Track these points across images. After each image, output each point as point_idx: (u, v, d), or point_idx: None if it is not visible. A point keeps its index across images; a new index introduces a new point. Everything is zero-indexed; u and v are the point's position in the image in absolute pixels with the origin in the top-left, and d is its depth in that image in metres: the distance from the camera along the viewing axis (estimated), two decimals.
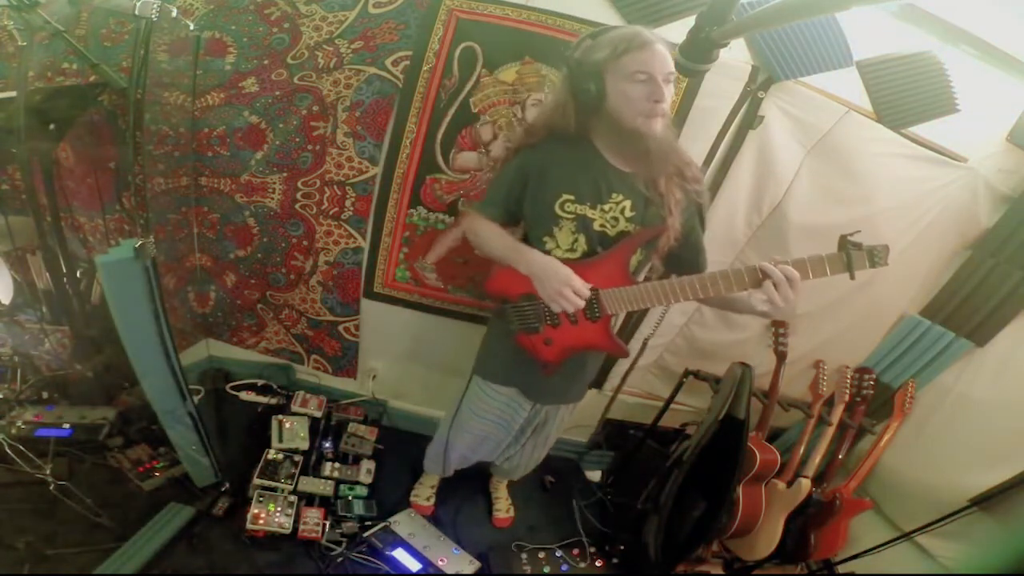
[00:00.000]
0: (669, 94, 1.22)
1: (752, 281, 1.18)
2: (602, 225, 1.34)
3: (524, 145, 1.40)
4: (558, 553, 1.98)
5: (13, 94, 1.47)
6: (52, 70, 1.74)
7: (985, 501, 1.69)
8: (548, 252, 1.36)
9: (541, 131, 1.37)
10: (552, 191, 1.33)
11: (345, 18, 1.67)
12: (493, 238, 1.40)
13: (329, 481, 1.94)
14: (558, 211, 1.33)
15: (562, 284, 1.26)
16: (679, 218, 1.34)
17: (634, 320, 2.10)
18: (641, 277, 1.46)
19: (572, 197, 1.32)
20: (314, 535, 1.73)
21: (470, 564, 1.82)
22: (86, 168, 1.84)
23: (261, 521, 1.70)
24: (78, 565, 1.47)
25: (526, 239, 1.43)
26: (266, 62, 1.74)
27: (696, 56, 1.20)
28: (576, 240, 1.35)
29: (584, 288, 1.27)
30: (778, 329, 2.06)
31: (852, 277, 1.13)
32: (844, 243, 1.12)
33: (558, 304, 1.28)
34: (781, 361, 2.05)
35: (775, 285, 1.14)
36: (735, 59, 1.62)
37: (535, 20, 1.60)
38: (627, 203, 1.33)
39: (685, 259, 1.43)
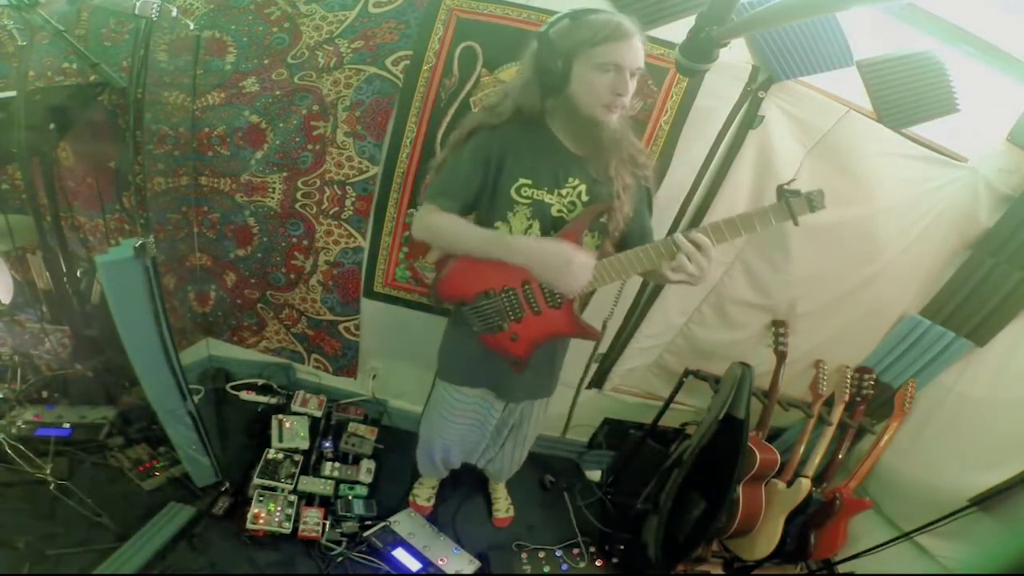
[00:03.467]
0: (632, 88, 1.23)
1: (669, 254, 1.21)
2: (559, 211, 1.33)
3: (482, 127, 1.33)
4: (558, 553, 1.98)
5: (13, 94, 1.47)
6: (52, 70, 1.74)
7: (985, 501, 1.70)
8: None
9: (507, 112, 1.31)
10: (510, 175, 1.30)
11: (345, 18, 1.67)
12: (465, 232, 1.31)
13: (329, 481, 1.94)
14: (514, 196, 1.30)
15: (569, 262, 1.22)
16: (629, 202, 1.35)
17: (634, 320, 2.10)
18: None
19: (529, 182, 1.30)
20: (314, 535, 1.73)
21: (470, 564, 1.82)
22: (86, 168, 1.84)
23: (261, 521, 1.70)
24: (78, 565, 1.47)
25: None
26: (266, 62, 1.74)
27: (696, 56, 1.20)
28: (530, 226, 1.33)
29: (589, 259, 1.23)
30: (778, 329, 2.06)
31: (796, 223, 1.18)
32: (782, 192, 1.18)
33: (568, 286, 1.24)
34: (781, 361, 2.06)
35: (687, 256, 1.17)
36: (735, 59, 1.62)
37: (535, 20, 1.60)
38: (583, 187, 1.33)
39: (636, 243, 1.39)
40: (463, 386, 1.60)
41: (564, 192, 1.32)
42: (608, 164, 1.32)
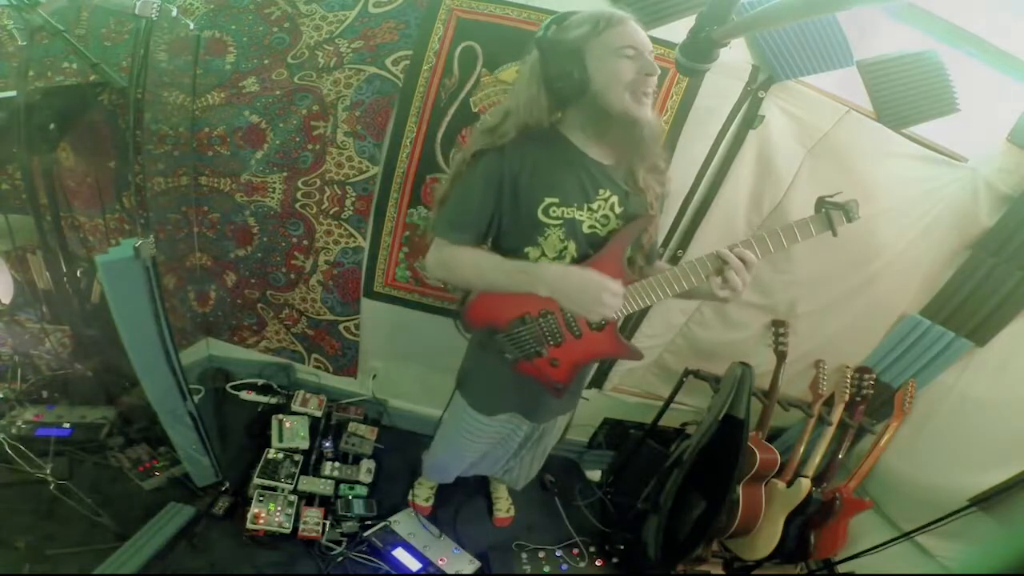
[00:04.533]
0: (657, 70, 1.16)
1: (715, 268, 1.17)
2: (591, 226, 1.23)
3: (487, 149, 1.21)
4: (558, 553, 1.98)
5: (13, 94, 1.47)
6: (52, 70, 1.74)
7: (985, 501, 1.70)
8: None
9: (511, 132, 1.20)
10: (532, 197, 1.19)
11: (345, 17, 1.67)
12: (486, 268, 1.21)
13: (329, 481, 1.94)
14: (542, 218, 1.20)
15: (599, 290, 1.13)
16: (660, 212, 1.31)
17: (633, 321, 2.10)
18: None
19: (556, 200, 1.19)
20: (314, 535, 1.73)
21: (470, 564, 1.82)
22: (86, 168, 1.84)
23: (261, 521, 1.70)
24: (78, 565, 1.47)
25: (498, 253, 1.28)
26: (266, 61, 1.74)
27: (696, 56, 1.19)
28: (565, 247, 1.23)
29: (616, 283, 1.15)
30: (778, 329, 2.06)
31: (835, 234, 1.15)
32: (822, 203, 1.17)
33: (600, 314, 1.15)
34: (781, 361, 2.06)
35: (735, 272, 1.14)
36: (735, 59, 1.62)
37: (535, 20, 1.60)
38: (615, 198, 1.24)
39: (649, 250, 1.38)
40: (494, 415, 1.51)
41: (595, 206, 1.22)
42: (636, 173, 1.26)
